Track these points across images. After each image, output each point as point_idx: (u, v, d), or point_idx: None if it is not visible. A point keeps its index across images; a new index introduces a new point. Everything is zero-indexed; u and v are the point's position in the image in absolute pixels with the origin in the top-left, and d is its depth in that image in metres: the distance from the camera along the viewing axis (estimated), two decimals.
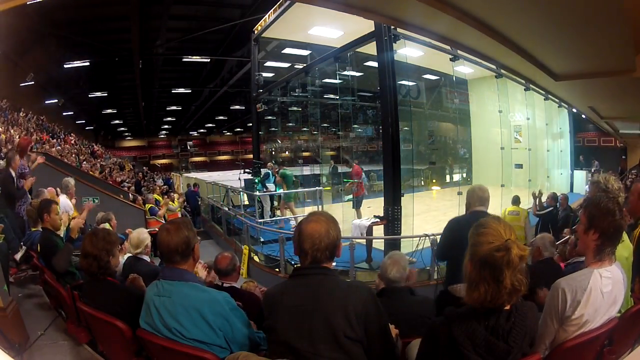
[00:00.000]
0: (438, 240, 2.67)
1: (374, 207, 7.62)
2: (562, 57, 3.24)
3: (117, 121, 29.45)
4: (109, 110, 25.95)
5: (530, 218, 6.10)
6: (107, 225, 4.24)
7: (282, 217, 8.35)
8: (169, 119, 31.68)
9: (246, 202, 10.01)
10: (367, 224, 5.85)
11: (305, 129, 13.54)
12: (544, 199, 6.79)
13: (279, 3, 8.36)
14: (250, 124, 14.05)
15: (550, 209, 6.57)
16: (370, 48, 6.40)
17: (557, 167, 12.06)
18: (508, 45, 2.95)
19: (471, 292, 1.13)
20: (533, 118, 10.39)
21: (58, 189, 4.89)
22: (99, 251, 1.90)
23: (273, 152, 14.13)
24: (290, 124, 13.80)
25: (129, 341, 1.70)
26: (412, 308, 2.06)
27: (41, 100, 18.12)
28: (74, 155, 13.05)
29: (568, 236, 4.38)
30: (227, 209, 9.77)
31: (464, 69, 9.99)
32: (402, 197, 5.92)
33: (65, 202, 4.71)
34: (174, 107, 28.09)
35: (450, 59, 7.13)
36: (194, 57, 18.45)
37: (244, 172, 10.00)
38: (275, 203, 9.21)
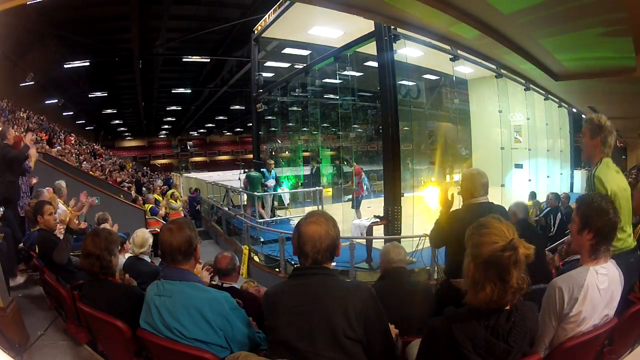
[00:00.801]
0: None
1: (374, 207, 7.63)
2: (562, 57, 3.24)
3: (117, 121, 29.42)
4: (109, 110, 25.94)
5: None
6: (106, 226, 4.25)
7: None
8: (169, 119, 31.67)
9: (246, 202, 10.00)
10: (367, 224, 5.86)
11: (305, 129, 13.52)
12: (542, 199, 6.82)
13: (279, 3, 8.35)
14: (250, 124, 14.05)
15: (548, 209, 6.60)
16: (370, 48, 6.40)
17: (557, 167, 12.05)
18: (508, 45, 2.95)
19: (476, 292, 1.12)
20: (533, 118, 10.37)
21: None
22: (101, 251, 1.91)
23: (273, 152, 14.10)
24: (291, 124, 13.78)
25: (129, 341, 1.70)
26: (413, 286, 2.21)
27: (41, 100, 18.11)
28: (74, 156, 13.04)
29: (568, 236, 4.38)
30: (227, 209, 9.77)
31: (464, 69, 9.97)
32: (402, 197, 5.93)
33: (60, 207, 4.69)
34: (174, 107, 28.09)
35: (450, 59, 7.12)
36: (194, 57, 18.45)
37: (244, 172, 10.01)
38: (276, 203, 9.20)
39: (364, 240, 5.74)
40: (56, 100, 19.39)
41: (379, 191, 8.70)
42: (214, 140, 37.47)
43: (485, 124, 11.40)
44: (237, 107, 27.47)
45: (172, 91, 24.06)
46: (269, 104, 11.64)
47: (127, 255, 3.23)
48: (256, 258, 6.95)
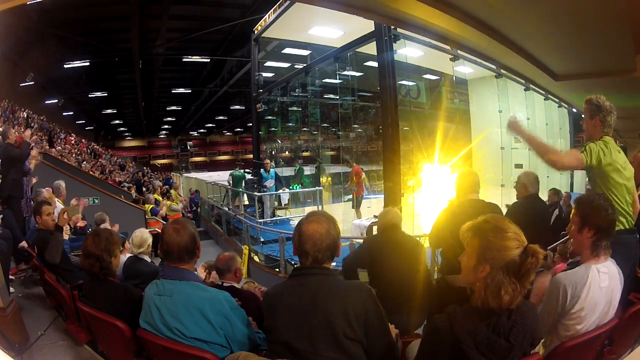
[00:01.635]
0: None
1: (373, 207, 7.63)
2: (562, 57, 3.25)
3: (117, 121, 29.43)
4: (109, 110, 25.93)
5: None
6: (106, 226, 4.25)
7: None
8: (169, 119, 31.65)
9: (246, 202, 10.01)
10: (367, 223, 5.85)
11: (305, 129, 13.52)
12: (545, 196, 6.80)
13: (279, 3, 8.36)
14: (250, 124, 14.04)
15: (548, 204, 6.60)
16: (370, 48, 6.40)
17: None
18: (508, 45, 2.96)
19: (494, 296, 1.12)
20: (533, 118, 10.37)
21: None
22: (102, 251, 1.91)
23: (273, 152, 14.11)
24: (290, 124, 13.79)
25: (129, 341, 1.70)
26: (406, 238, 2.74)
27: (41, 100, 18.12)
28: (74, 156, 13.05)
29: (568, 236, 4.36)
30: (227, 209, 9.78)
31: (464, 69, 9.99)
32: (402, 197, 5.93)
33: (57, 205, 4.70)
34: (174, 107, 28.08)
35: (450, 59, 7.13)
36: (194, 57, 18.44)
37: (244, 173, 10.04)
38: (276, 203, 9.20)
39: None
40: (56, 100, 19.38)
41: (379, 191, 8.70)
42: (214, 140, 37.47)
43: (485, 124, 11.40)
44: (237, 107, 27.47)
45: (172, 91, 24.05)
46: (269, 104, 11.65)
47: (127, 255, 3.23)
48: (256, 258, 6.96)
